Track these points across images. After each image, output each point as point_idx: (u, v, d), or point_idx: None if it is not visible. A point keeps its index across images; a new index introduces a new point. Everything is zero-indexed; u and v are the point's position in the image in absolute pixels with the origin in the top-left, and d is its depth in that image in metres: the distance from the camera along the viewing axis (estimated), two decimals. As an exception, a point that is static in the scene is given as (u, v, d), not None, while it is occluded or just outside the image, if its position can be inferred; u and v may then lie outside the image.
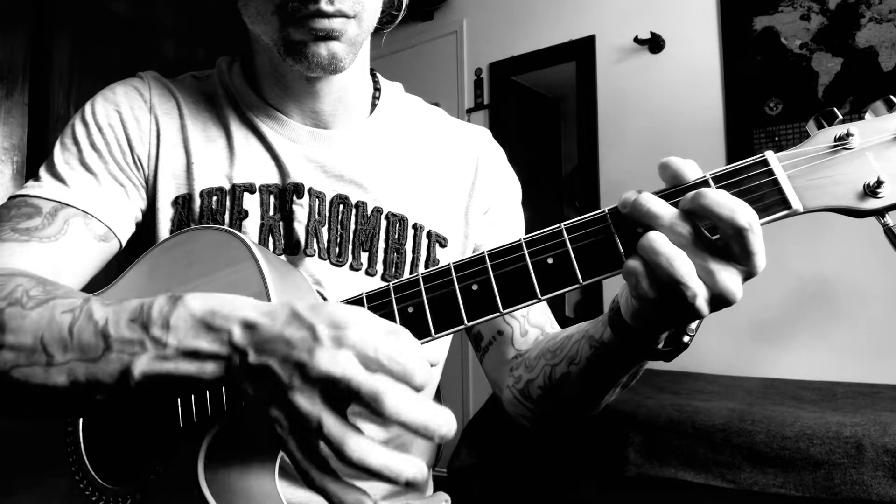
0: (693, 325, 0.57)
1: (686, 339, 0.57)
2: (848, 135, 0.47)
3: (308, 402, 0.45)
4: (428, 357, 0.47)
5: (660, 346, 0.58)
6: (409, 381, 0.46)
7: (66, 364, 0.51)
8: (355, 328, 0.46)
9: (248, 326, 0.48)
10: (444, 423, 0.45)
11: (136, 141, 0.77)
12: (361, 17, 0.71)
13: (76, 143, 0.76)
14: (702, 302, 0.48)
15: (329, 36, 0.69)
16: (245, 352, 0.48)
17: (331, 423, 0.44)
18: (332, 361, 0.44)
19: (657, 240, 0.48)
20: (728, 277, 0.48)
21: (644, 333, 0.56)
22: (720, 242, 0.48)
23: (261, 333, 0.47)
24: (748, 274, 0.49)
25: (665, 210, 0.49)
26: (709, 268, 0.48)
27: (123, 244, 0.77)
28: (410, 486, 0.45)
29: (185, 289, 0.66)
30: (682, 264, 0.47)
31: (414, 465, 0.45)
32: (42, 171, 0.76)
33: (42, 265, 0.68)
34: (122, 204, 0.76)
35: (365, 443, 0.44)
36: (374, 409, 0.44)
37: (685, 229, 0.48)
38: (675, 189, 0.51)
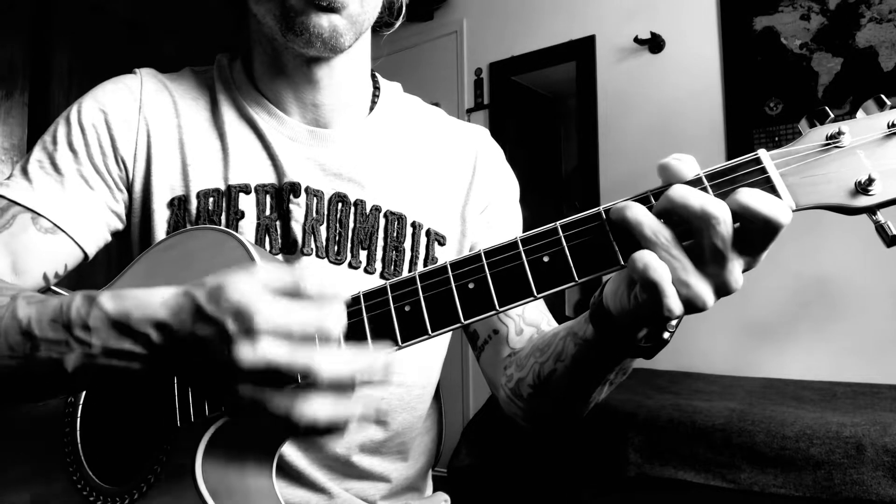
0: (673, 322, 0.56)
1: (666, 335, 0.57)
2: (839, 133, 0.47)
3: (248, 390, 0.48)
4: (336, 292, 0.50)
5: (640, 342, 0.57)
6: (329, 337, 0.48)
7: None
8: (260, 314, 0.47)
9: (161, 327, 0.50)
10: (380, 361, 0.49)
11: (121, 142, 0.77)
12: None
13: (55, 141, 0.76)
14: (675, 306, 0.48)
15: (330, 7, 0.70)
16: (168, 351, 0.50)
17: (272, 400, 0.48)
18: (253, 353, 0.46)
19: (645, 255, 0.48)
20: (703, 289, 0.48)
21: (622, 328, 0.56)
22: (696, 247, 0.48)
23: (175, 334, 0.49)
24: (721, 285, 0.48)
25: (647, 218, 0.48)
26: (687, 280, 0.48)
27: (87, 249, 0.76)
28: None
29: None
30: (664, 273, 0.47)
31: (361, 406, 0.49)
32: (16, 169, 0.76)
33: None
34: (85, 207, 0.75)
35: (314, 403, 0.47)
36: (312, 381, 0.47)
37: (664, 236, 0.48)
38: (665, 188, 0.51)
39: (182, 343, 0.49)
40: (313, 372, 0.46)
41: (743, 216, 0.46)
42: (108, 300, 0.52)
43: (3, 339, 0.54)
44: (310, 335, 0.47)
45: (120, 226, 0.79)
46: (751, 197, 0.46)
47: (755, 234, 0.47)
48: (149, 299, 0.51)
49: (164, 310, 0.50)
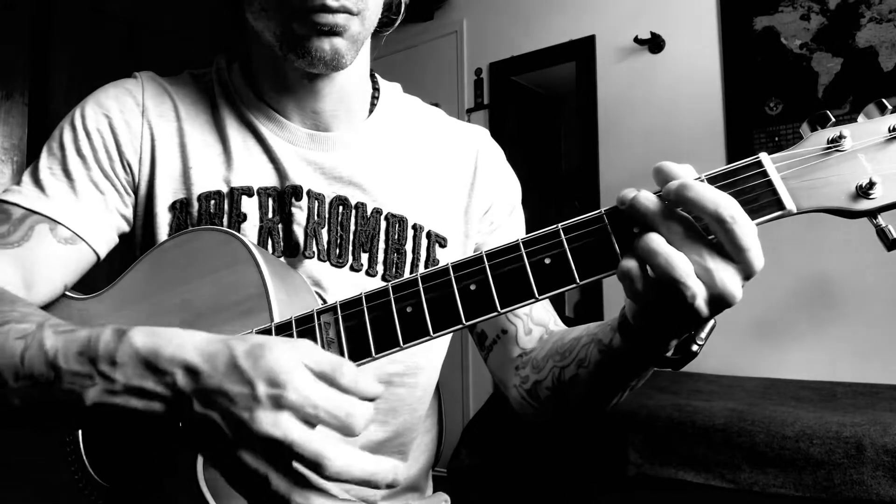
0: (703, 334, 0.56)
1: (695, 347, 0.56)
2: (840, 137, 0.48)
3: (252, 459, 0.46)
4: (371, 391, 0.49)
5: (669, 353, 0.57)
6: (351, 432, 0.47)
7: (19, 389, 0.53)
8: (293, 387, 0.46)
9: (190, 371, 0.48)
10: (389, 471, 0.47)
11: (126, 146, 0.77)
12: (364, 15, 0.72)
13: (62, 147, 0.76)
14: (701, 303, 0.48)
15: (333, 31, 0.69)
16: (189, 398, 0.48)
17: (275, 478, 0.46)
18: (273, 424, 0.45)
19: (655, 240, 0.48)
20: (726, 276, 0.48)
21: (651, 338, 0.55)
22: (715, 240, 0.48)
23: (202, 382, 0.48)
24: (745, 273, 0.48)
25: (662, 207, 0.49)
26: (706, 266, 0.48)
27: (101, 254, 0.76)
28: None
29: (185, 289, 0.66)
30: (681, 263, 0.47)
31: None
32: (25, 176, 0.76)
33: (5, 270, 0.68)
34: (98, 213, 0.75)
35: (315, 501, 0.47)
36: (318, 471, 0.45)
37: (682, 226, 0.48)
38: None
39: (205, 393, 0.48)
40: (324, 464, 0.45)
41: (689, 208, 0.48)
42: (140, 336, 0.50)
43: (27, 369, 0.52)
44: (332, 426, 0.46)
45: (127, 228, 0.80)
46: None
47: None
48: (182, 340, 0.50)
49: (196, 353, 0.48)
